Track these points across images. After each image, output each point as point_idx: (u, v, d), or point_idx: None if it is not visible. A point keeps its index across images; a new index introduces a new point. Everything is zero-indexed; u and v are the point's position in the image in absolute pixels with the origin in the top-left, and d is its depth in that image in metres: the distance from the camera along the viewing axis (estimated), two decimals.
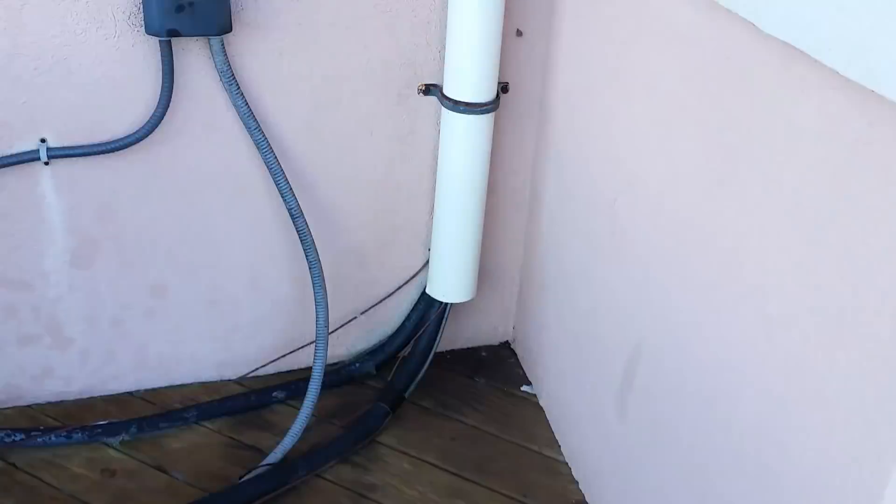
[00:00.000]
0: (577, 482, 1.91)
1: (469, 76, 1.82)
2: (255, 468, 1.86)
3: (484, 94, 1.85)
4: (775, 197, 1.16)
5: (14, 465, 1.87)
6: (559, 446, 2.01)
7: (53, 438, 1.91)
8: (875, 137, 0.98)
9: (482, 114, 1.87)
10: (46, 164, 1.76)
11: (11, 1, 1.60)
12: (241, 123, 1.81)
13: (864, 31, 0.92)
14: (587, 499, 1.87)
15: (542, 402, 2.13)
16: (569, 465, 1.96)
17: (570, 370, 1.95)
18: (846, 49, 0.95)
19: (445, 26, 1.82)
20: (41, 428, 1.93)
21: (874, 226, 0.98)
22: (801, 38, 1.03)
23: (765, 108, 1.17)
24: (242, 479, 1.83)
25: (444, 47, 1.85)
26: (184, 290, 2.00)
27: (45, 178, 1.79)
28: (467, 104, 1.85)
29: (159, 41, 1.68)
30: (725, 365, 1.30)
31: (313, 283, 1.92)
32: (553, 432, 2.05)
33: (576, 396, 1.91)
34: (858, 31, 0.93)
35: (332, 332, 2.12)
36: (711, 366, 1.34)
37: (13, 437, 1.89)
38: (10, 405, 2.01)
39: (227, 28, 1.66)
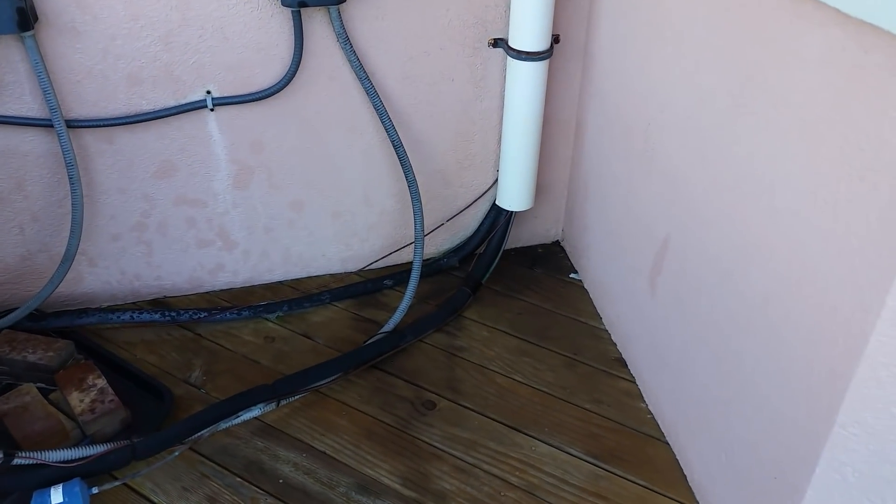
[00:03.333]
0: (615, 344, 1.92)
1: (529, 30, 1.78)
2: (374, 335, 1.91)
3: (541, 44, 1.80)
4: (784, 114, 1.12)
5: (200, 335, 1.94)
6: (600, 318, 2.02)
7: (228, 315, 1.97)
8: (869, 62, 0.94)
9: (539, 60, 1.83)
10: (212, 110, 1.79)
11: None
12: (354, 74, 1.81)
13: None
14: (623, 356, 1.88)
15: (586, 285, 2.13)
16: (608, 331, 1.97)
17: (608, 260, 1.94)
18: None
19: None
20: (218, 308, 2.00)
21: (866, 135, 0.96)
22: None
23: (775, 42, 1.13)
24: (366, 343, 1.88)
25: (509, 7, 1.80)
26: (315, 205, 2.04)
27: (211, 121, 1.82)
28: (528, 53, 1.81)
29: (291, 11, 1.68)
30: (739, 248, 1.29)
31: (412, 198, 1.94)
32: (595, 307, 2.05)
33: (614, 280, 1.91)
34: None
35: (426, 234, 2.16)
36: (727, 249, 1.33)
37: (199, 315, 1.96)
38: (193, 292, 2.09)
39: None
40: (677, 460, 1.60)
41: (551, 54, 1.84)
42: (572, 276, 2.19)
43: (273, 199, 1.99)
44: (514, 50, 1.82)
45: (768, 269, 1.20)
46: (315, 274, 2.17)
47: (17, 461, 1.38)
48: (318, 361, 1.83)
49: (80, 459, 1.43)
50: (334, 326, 1.98)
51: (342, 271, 2.18)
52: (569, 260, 2.25)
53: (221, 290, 2.10)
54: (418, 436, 1.66)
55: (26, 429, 1.57)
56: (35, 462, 1.40)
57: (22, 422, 1.60)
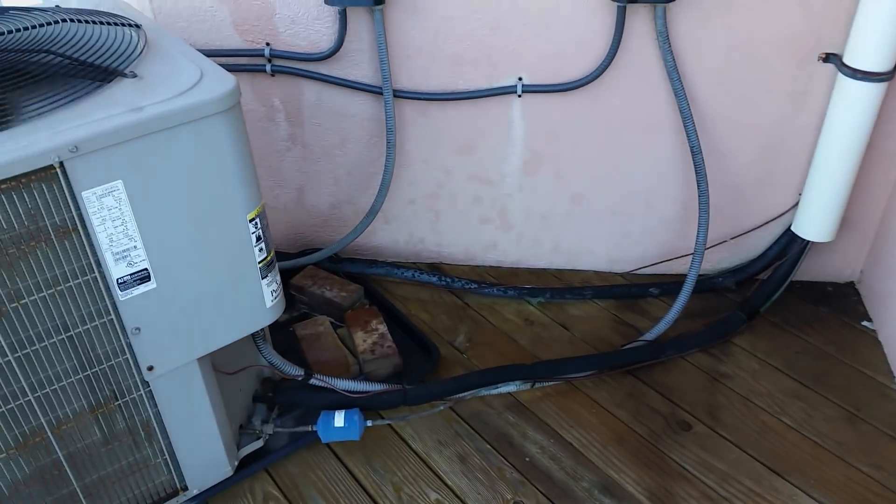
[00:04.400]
0: None
1: (872, 48, 1.61)
2: (634, 340, 1.88)
3: (884, 63, 1.62)
4: None
5: (467, 304, 2.06)
6: (894, 376, 1.79)
7: (495, 291, 2.06)
8: None
9: (878, 82, 1.65)
10: (519, 96, 1.88)
11: None
12: (666, 74, 1.78)
13: None
14: None
15: (880, 337, 1.90)
16: None
17: None
18: None
19: (857, 2, 1.62)
20: (486, 282, 2.10)
21: None
22: None
23: None
24: (624, 346, 1.86)
25: (853, 20, 1.64)
26: (595, 201, 2.04)
27: (515, 106, 1.90)
28: (865, 73, 1.64)
29: (617, 6, 1.68)
30: None
31: (699, 208, 1.87)
32: (889, 364, 1.82)
33: None
34: None
35: (706, 249, 2.06)
36: None
37: (470, 285, 2.07)
38: (466, 263, 2.22)
39: None
40: None
41: (893, 77, 1.65)
42: (865, 323, 1.96)
43: (556, 189, 2.03)
44: (848, 68, 1.66)
45: None
46: (580, 268, 2.18)
47: (312, 381, 1.59)
48: (574, 353, 1.85)
49: (361, 392, 1.60)
50: (593, 323, 1.98)
51: (607, 270, 2.18)
52: (863, 305, 2.02)
53: (490, 267, 2.21)
54: (669, 453, 1.61)
55: (318, 355, 1.80)
56: (325, 385, 1.59)
57: (315, 348, 1.82)
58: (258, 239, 1.29)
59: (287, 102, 1.97)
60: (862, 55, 1.64)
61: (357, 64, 1.89)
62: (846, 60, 1.67)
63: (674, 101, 1.81)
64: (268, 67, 1.89)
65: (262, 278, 1.33)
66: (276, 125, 2.02)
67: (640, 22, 1.72)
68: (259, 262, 1.31)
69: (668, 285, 2.07)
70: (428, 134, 1.98)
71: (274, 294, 1.37)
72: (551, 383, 1.77)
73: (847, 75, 1.67)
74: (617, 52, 1.75)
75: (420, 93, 1.90)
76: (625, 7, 1.67)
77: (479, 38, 1.80)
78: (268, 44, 1.87)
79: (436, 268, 2.21)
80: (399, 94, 1.90)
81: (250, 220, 1.27)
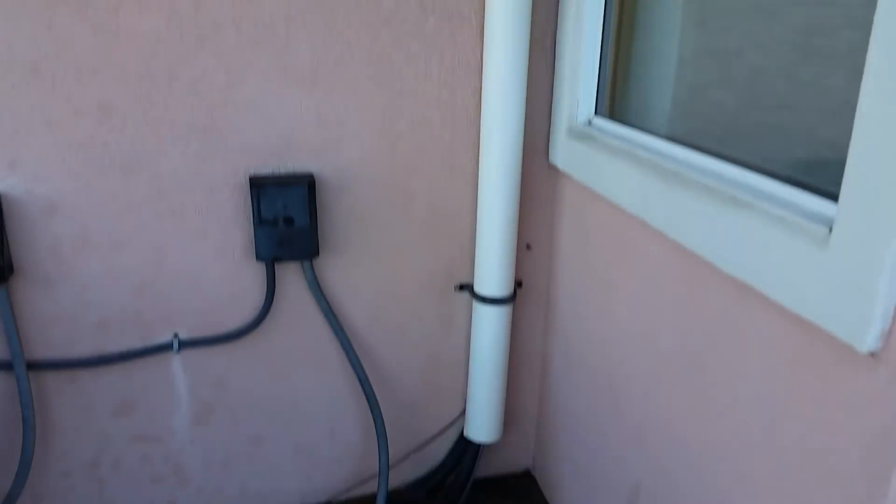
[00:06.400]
0: None
1: (492, 278, 1.85)
2: None
3: (503, 290, 1.87)
4: (740, 386, 1.15)
5: None
6: None
7: None
8: (814, 353, 0.98)
9: (502, 305, 1.89)
10: (178, 352, 1.80)
11: (158, 241, 1.67)
12: (323, 317, 1.85)
13: (800, 278, 0.94)
14: None
15: None
16: None
17: (582, 497, 1.89)
18: (788, 290, 0.96)
19: (475, 243, 1.87)
20: None
21: (817, 417, 0.98)
22: (752, 278, 1.05)
23: (726, 321, 1.18)
24: None
25: (474, 258, 1.89)
26: (277, 439, 1.99)
27: (175, 361, 1.81)
28: (491, 299, 1.87)
29: (265, 264, 1.74)
30: None
31: (377, 433, 1.91)
32: None
33: None
34: (796, 278, 0.95)
35: (392, 466, 2.11)
36: None
37: None
38: None
39: (315, 254, 1.71)
40: None
41: (514, 299, 1.91)
42: None
43: (233, 434, 1.94)
44: (478, 295, 1.88)
45: None
46: None
47: None
48: None
49: None
50: None
51: None
52: (541, 492, 2.19)
53: None
54: None
55: None
56: None
57: None
58: None
59: None
60: (486, 285, 1.87)
61: None
62: (476, 290, 1.90)
63: (337, 339, 1.87)
64: None
65: None
66: None
67: (292, 274, 1.79)
68: None
69: None
70: (79, 401, 1.79)
71: None
72: None
73: (479, 301, 1.90)
74: (272, 302, 1.78)
75: (62, 361, 1.72)
76: (272, 264, 1.73)
77: (125, 303, 1.71)
78: None
79: None
80: (38, 366, 1.70)
81: None
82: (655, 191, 1.31)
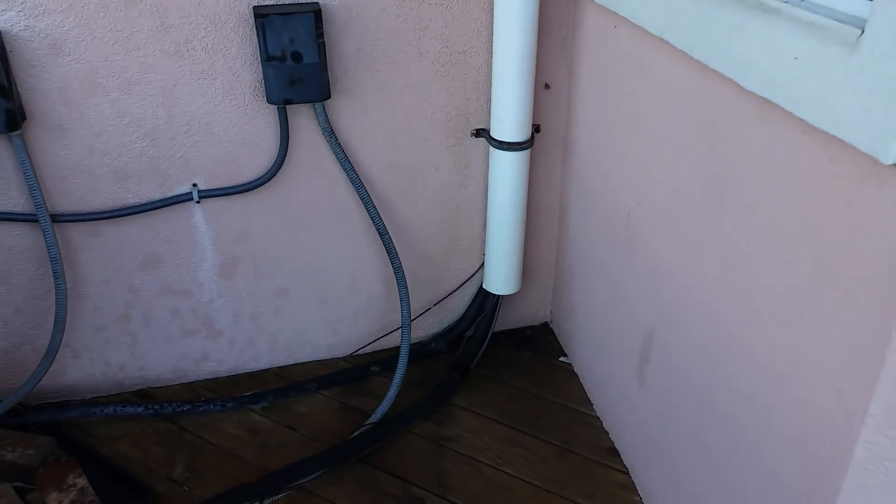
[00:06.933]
0: (607, 432, 1.88)
1: (509, 122, 1.81)
2: (361, 426, 1.87)
3: (521, 134, 1.83)
4: (759, 214, 1.13)
5: (184, 427, 1.90)
6: (591, 404, 1.98)
7: (212, 407, 1.93)
8: (835, 171, 0.95)
9: (520, 150, 1.85)
10: (198, 202, 1.80)
11: (167, 81, 1.64)
12: (339, 165, 1.83)
13: (827, 89, 0.90)
14: (616, 445, 1.84)
15: (576, 369, 2.11)
16: (600, 419, 1.93)
17: (597, 345, 1.93)
18: (812, 104, 0.93)
19: (490, 84, 1.81)
20: (202, 400, 1.96)
21: (839, 242, 0.96)
22: (776, 94, 1.00)
23: (745, 144, 1.14)
24: (352, 435, 1.84)
25: (490, 100, 1.84)
26: (301, 292, 2.03)
27: (197, 212, 1.82)
28: (509, 143, 1.83)
29: (277, 108, 1.71)
30: (722, 345, 1.27)
31: (398, 283, 1.94)
32: (586, 393, 2.02)
33: (603, 366, 1.89)
34: (822, 89, 0.90)
35: (413, 319, 2.14)
36: (710, 346, 1.32)
37: (182, 408, 1.92)
38: (177, 382, 2.06)
39: (326, 96, 1.67)
40: None
41: (532, 144, 1.87)
42: (562, 359, 2.16)
43: (259, 288, 1.98)
44: (495, 140, 1.85)
45: (750, 368, 1.18)
46: (301, 361, 2.14)
47: None
48: (304, 455, 1.78)
49: None
50: (320, 417, 1.94)
51: (329, 357, 2.16)
52: (557, 342, 2.23)
53: (206, 380, 2.07)
54: None
55: None
56: None
57: None
58: None
59: None
60: (503, 129, 1.83)
61: (5, 192, 1.68)
62: (493, 134, 1.86)
63: (354, 190, 1.86)
64: None
65: None
66: None
67: (304, 118, 1.76)
68: None
69: (389, 360, 2.11)
70: (104, 254, 1.82)
71: None
72: (281, 495, 1.68)
73: (496, 147, 1.86)
74: (287, 150, 1.76)
75: (84, 213, 1.74)
76: (284, 108, 1.69)
77: (140, 150, 1.70)
78: None
79: (144, 395, 2.02)
80: (60, 219, 1.72)
81: None
82: (680, 5, 1.24)
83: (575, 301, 2.06)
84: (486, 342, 2.12)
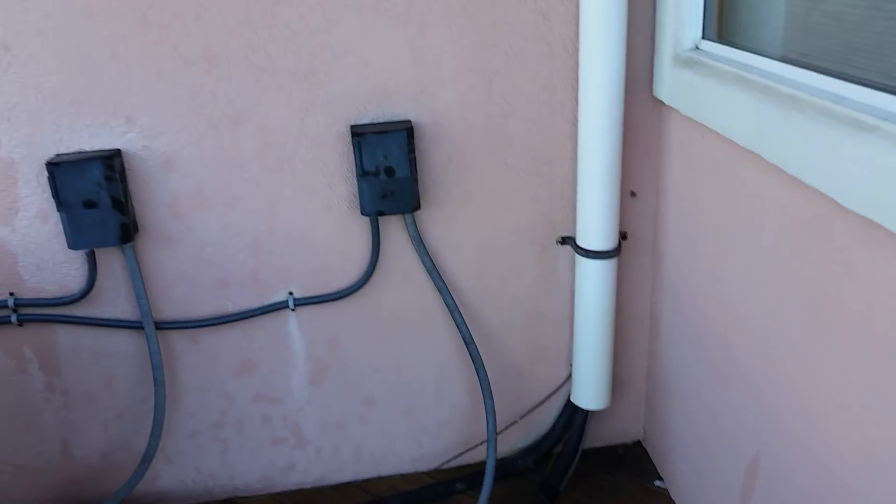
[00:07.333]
0: None
1: (595, 230, 1.80)
2: None
3: (608, 243, 1.82)
4: (869, 341, 1.05)
5: None
6: None
7: None
8: None
9: (607, 259, 1.83)
10: (293, 310, 1.87)
11: (269, 196, 1.74)
12: (427, 273, 1.87)
13: None
14: None
15: (673, 496, 1.96)
16: None
17: (696, 470, 1.79)
18: None
19: (576, 192, 1.84)
20: None
21: None
22: (879, 215, 0.95)
23: (850, 264, 1.08)
24: None
25: (576, 208, 1.86)
26: (387, 401, 2.02)
27: (291, 320, 1.88)
28: (595, 252, 1.82)
29: (370, 219, 1.78)
30: (836, 482, 1.16)
31: (483, 394, 1.90)
32: None
33: (703, 493, 1.75)
34: None
35: (499, 433, 2.08)
36: (824, 482, 1.20)
37: None
38: (264, 492, 2.05)
39: (416, 207, 1.73)
40: None
41: (619, 252, 1.85)
42: (657, 483, 2.03)
43: (346, 395, 1.98)
44: (581, 249, 1.85)
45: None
46: (385, 474, 2.10)
47: None
48: None
49: None
50: None
51: (413, 471, 2.11)
52: (652, 464, 2.10)
53: (291, 491, 2.05)
54: None
55: None
56: None
57: None
58: None
59: (39, 350, 1.80)
60: (589, 237, 1.83)
61: (113, 301, 1.79)
62: (579, 243, 1.86)
63: (440, 297, 1.89)
64: (13, 318, 1.74)
65: None
66: (28, 376, 1.82)
67: (395, 228, 1.82)
68: None
69: (474, 476, 2.04)
70: (203, 361, 1.89)
71: None
72: None
73: (582, 255, 1.86)
74: (378, 258, 1.82)
75: (186, 321, 1.82)
76: (377, 219, 1.77)
77: (242, 261, 1.80)
78: (11, 293, 1.73)
79: (231, 503, 2.01)
80: (163, 326, 1.81)
81: None
82: (771, 119, 1.21)
83: (670, 418, 1.95)
84: (575, 461, 2.03)
